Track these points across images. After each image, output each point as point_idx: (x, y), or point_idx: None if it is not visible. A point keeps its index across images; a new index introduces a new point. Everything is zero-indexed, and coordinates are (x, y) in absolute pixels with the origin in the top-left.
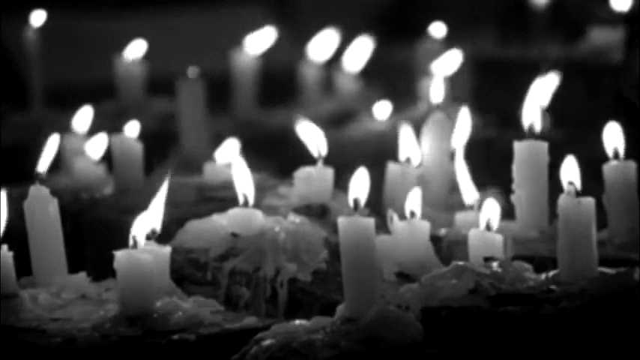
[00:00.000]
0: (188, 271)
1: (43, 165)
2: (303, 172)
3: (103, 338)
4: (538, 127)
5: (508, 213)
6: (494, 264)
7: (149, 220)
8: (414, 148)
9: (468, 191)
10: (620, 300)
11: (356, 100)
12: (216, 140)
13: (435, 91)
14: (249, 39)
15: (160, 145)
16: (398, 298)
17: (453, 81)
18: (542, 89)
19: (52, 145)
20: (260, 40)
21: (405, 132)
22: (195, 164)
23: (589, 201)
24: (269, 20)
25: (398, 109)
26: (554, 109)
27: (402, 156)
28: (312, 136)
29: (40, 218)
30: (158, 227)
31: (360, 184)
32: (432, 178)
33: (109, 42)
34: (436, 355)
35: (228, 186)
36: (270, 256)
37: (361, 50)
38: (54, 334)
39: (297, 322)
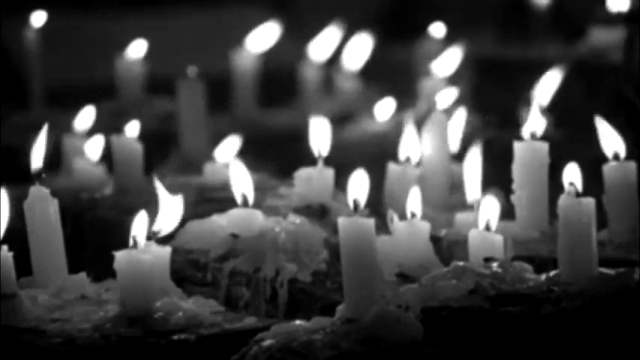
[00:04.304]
0: (188, 272)
1: (37, 164)
2: (303, 173)
3: (103, 339)
4: (540, 131)
5: (508, 213)
6: (494, 264)
7: (158, 219)
8: (414, 148)
9: (473, 191)
10: (620, 300)
11: (356, 100)
12: (216, 140)
13: (442, 95)
14: (249, 39)
15: (160, 145)
16: (398, 298)
17: (453, 81)
18: (543, 89)
19: (45, 144)
20: (260, 40)
21: (409, 131)
22: (195, 164)
23: (589, 201)
24: (269, 20)
25: (398, 109)
26: (554, 109)
27: (402, 155)
28: (316, 135)
29: (40, 218)
30: (166, 230)
31: (360, 184)
32: (432, 178)
33: (109, 42)
34: (436, 355)
35: (228, 186)
36: (270, 257)
37: (361, 50)
38: (54, 335)
39: (297, 322)
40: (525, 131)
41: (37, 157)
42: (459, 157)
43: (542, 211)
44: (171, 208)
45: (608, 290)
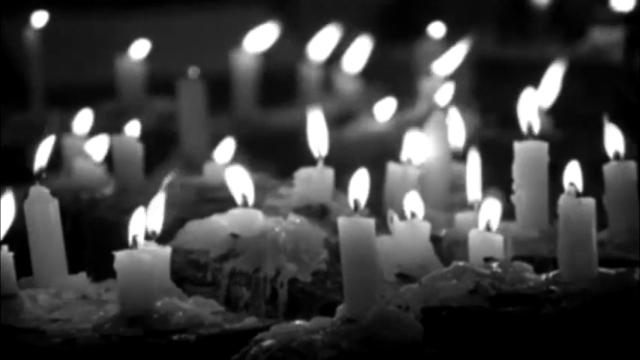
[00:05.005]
0: (188, 272)
1: (39, 164)
2: (303, 173)
3: (103, 338)
4: (536, 128)
5: (508, 213)
6: (495, 264)
7: (148, 220)
8: (416, 150)
9: (474, 190)
10: (620, 300)
11: (356, 100)
12: (216, 140)
13: (441, 93)
14: (249, 39)
15: (160, 145)
16: (398, 298)
17: (453, 81)
18: (542, 89)
19: (48, 144)
20: (260, 40)
21: (412, 135)
22: (195, 164)
23: (589, 201)
24: (269, 20)
25: (398, 109)
26: (554, 109)
27: (404, 157)
28: (314, 135)
29: (40, 218)
30: (158, 228)
31: (360, 184)
32: (432, 178)
33: (110, 42)
34: (436, 355)
35: (228, 186)
36: (270, 257)
37: (361, 50)
38: (54, 335)
39: (297, 322)
40: (523, 125)
41: (41, 157)
42: (462, 156)
43: (542, 211)
44: (158, 208)
45: (608, 290)
